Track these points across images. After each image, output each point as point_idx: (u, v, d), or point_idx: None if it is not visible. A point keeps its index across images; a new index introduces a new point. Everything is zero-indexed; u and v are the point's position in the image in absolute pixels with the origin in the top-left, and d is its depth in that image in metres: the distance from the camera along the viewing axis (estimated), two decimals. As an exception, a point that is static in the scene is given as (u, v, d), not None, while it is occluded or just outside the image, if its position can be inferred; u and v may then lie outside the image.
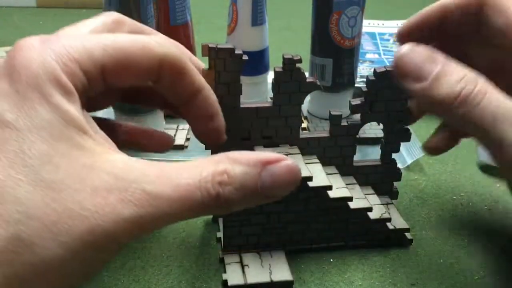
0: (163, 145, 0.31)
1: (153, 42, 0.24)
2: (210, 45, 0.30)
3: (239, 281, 0.31)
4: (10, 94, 0.21)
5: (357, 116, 0.34)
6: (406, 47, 0.28)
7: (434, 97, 0.27)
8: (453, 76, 0.27)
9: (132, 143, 0.29)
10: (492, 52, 0.32)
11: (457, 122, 0.27)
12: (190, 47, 0.49)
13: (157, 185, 0.21)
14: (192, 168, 0.22)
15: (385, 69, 0.32)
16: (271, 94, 0.32)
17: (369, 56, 0.62)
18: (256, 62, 0.48)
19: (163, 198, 0.21)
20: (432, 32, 0.33)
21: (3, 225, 0.19)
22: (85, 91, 0.23)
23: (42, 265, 0.19)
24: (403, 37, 0.34)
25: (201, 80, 0.26)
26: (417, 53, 0.28)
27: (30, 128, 0.20)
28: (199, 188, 0.21)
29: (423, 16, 0.33)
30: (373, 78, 0.33)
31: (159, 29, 0.47)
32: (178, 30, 0.47)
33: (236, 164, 0.23)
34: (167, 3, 0.46)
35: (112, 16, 0.27)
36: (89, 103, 0.23)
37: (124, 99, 0.30)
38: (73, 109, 0.22)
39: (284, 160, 0.23)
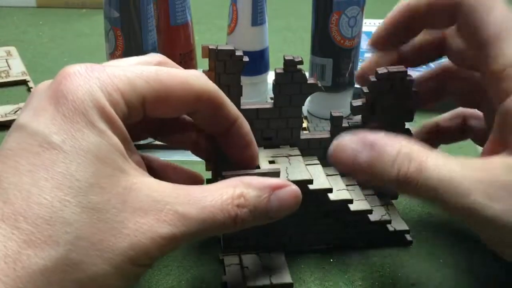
0: (193, 183, 0.32)
1: (192, 76, 0.26)
2: (210, 47, 0.30)
3: (239, 283, 0.31)
4: (57, 118, 0.22)
5: (358, 117, 0.34)
6: (334, 143, 0.27)
7: (380, 182, 0.26)
8: (385, 158, 0.26)
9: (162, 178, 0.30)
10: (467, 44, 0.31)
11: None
12: (190, 47, 0.49)
13: (186, 207, 0.23)
14: (215, 191, 0.25)
15: (386, 71, 0.32)
16: (271, 94, 0.32)
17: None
18: (256, 62, 0.48)
19: (192, 218, 0.23)
20: (403, 33, 0.34)
21: (54, 246, 0.20)
22: (126, 119, 0.24)
23: (89, 281, 0.21)
24: (377, 44, 0.35)
25: (235, 110, 0.28)
26: (345, 146, 0.27)
27: (77, 150, 0.22)
28: (221, 210, 0.24)
29: (391, 20, 0.33)
30: (375, 79, 0.33)
31: (159, 29, 0.47)
32: (178, 30, 0.47)
33: (251, 188, 0.25)
34: (167, 3, 0.46)
35: (156, 56, 0.28)
36: (129, 132, 0.25)
37: (158, 133, 0.32)
38: (116, 134, 0.23)
39: (290, 186, 0.27)
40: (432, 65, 0.39)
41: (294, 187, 0.27)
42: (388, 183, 0.26)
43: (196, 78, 0.26)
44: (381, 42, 0.34)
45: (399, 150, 0.26)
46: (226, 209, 0.24)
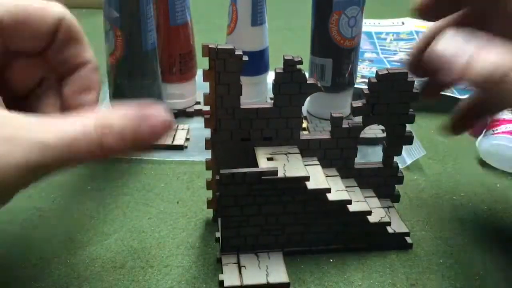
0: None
1: (53, 3, 0.26)
2: (210, 46, 0.30)
3: (235, 282, 0.31)
4: None
5: (358, 118, 0.34)
6: (437, 43, 0.28)
7: (471, 80, 0.26)
8: (486, 60, 0.26)
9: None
10: None
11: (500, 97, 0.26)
12: (190, 47, 0.49)
13: (44, 134, 0.22)
14: (77, 117, 0.24)
15: (387, 72, 0.32)
16: (271, 94, 0.32)
17: (368, 55, 0.62)
18: (256, 62, 0.47)
19: (50, 145, 0.22)
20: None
21: None
22: None
23: None
24: (423, 13, 0.33)
25: (90, 52, 0.29)
26: (446, 48, 0.27)
27: None
28: (83, 135, 0.23)
29: None
30: (375, 80, 0.32)
31: (158, 29, 0.47)
32: (178, 30, 0.47)
33: (115, 113, 0.24)
34: (167, 3, 0.46)
35: None
36: None
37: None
38: None
39: (160, 115, 0.24)
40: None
41: (164, 115, 0.25)
42: (482, 82, 0.26)
43: (56, 5, 0.26)
44: (427, 11, 0.33)
45: (498, 52, 0.26)
46: (88, 133, 0.23)
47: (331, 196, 0.32)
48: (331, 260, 0.34)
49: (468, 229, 0.37)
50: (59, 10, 0.27)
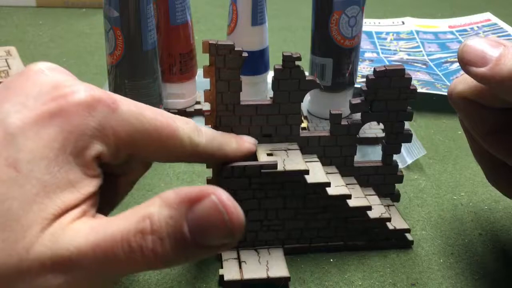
0: None
1: (180, 122, 0.26)
2: (210, 42, 0.30)
3: (235, 276, 0.31)
4: (46, 149, 0.21)
5: (358, 116, 0.34)
6: (470, 38, 0.28)
7: (494, 78, 0.26)
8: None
9: None
10: None
11: None
12: (190, 47, 0.49)
13: (78, 243, 0.20)
14: (123, 217, 0.20)
15: (385, 69, 0.32)
16: (271, 94, 0.32)
17: (368, 55, 0.62)
18: (256, 62, 0.47)
19: (80, 256, 0.19)
20: None
21: None
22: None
23: None
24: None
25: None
26: (480, 41, 0.27)
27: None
28: (121, 241, 0.19)
29: None
30: (373, 77, 0.32)
31: (159, 29, 0.47)
32: (178, 30, 0.47)
33: (164, 206, 0.19)
34: (167, 3, 0.46)
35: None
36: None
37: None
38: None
39: (212, 194, 0.19)
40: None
41: (218, 196, 0.19)
42: (506, 80, 0.25)
43: (184, 122, 0.26)
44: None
45: None
46: (126, 238, 0.19)
47: (330, 191, 0.32)
48: (331, 260, 0.34)
49: (468, 229, 0.37)
50: (188, 130, 0.26)
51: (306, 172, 0.30)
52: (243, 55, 0.30)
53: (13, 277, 0.19)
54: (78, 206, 0.21)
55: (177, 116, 0.26)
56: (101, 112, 0.22)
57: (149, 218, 0.19)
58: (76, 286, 0.20)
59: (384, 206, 0.35)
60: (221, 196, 0.19)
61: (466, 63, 0.27)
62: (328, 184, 0.31)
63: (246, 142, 0.31)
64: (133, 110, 0.24)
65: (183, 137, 0.26)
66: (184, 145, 0.26)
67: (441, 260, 0.34)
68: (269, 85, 0.33)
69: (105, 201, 0.24)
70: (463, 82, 0.30)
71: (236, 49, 0.30)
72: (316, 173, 0.31)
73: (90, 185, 0.22)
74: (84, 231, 0.20)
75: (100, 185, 0.23)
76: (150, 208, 0.20)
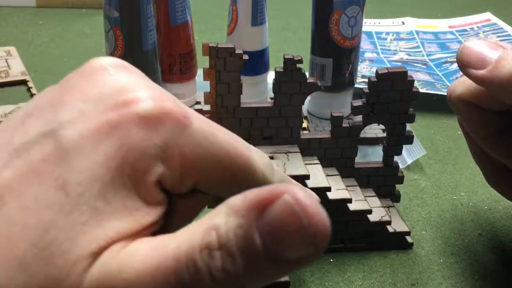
0: None
1: (256, 154, 0.21)
2: (210, 45, 0.30)
3: None
4: (102, 169, 0.17)
5: (359, 117, 0.34)
6: (470, 40, 0.28)
7: (493, 81, 0.26)
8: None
9: None
10: None
11: None
12: (190, 47, 0.49)
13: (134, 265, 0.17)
14: (186, 230, 0.17)
15: (387, 71, 0.32)
16: (271, 94, 0.32)
17: (368, 55, 0.62)
18: (256, 62, 0.47)
19: (136, 278, 0.16)
20: None
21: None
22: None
23: None
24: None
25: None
26: (479, 43, 0.27)
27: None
28: (185, 260, 0.16)
29: None
30: (375, 79, 0.32)
31: (159, 29, 0.47)
32: (178, 30, 0.47)
33: (231, 215, 0.16)
34: (167, 3, 0.46)
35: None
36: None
37: None
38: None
39: (285, 193, 0.15)
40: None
41: (292, 194, 0.15)
42: (505, 82, 0.25)
43: (260, 155, 0.21)
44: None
45: None
46: (191, 257, 0.16)
47: (331, 195, 0.32)
48: (331, 260, 0.34)
49: (468, 229, 0.37)
50: (263, 165, 0.21)
51: (307, 177, 0.30)
52: (243, 58, 0.30)
53: None
54: (135, 237, 0.18)
55: (251, 146, 0.21)
56: (168, 128, 0.18)
57: (215, 230, 0.16)
58: None
59: (384, 207, 0.35)
60: (297, 194, 0.15)
61: (465, 65, 0.27)
62: (328, 189, 0.31)
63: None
64: (205, 129, 0.19)
65: (257, 172, 0.20)
66: (256, 181, 0.20)
67: (441, 260, 0.34)
68: (269, 85, 0.33)
69: (166, 227, 0.20)
70: (462, 84, 0.30)
71: (236, 52, 0.30)
72: (317, 177, 0.31)
73: (150, 214, 0.18)
74: (140, 252, 0.17)
75: (163, 213, 0.19)
76: (216, 218, 0.16)
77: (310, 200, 0.15)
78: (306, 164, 0.32)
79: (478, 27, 0.70)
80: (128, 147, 0.18)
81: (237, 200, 0.16)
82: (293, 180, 0.25)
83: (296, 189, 0.15)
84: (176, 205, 0.20)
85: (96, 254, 0.17)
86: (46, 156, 0.17)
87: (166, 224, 0.20)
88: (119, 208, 0.17)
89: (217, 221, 0.16)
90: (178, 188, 0.19)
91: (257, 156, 0.21)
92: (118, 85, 0.19)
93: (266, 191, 0.16)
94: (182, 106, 0.20)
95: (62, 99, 0.19)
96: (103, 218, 0.17)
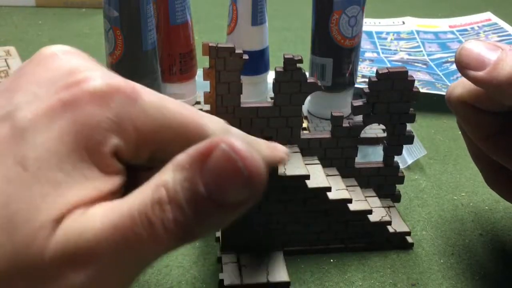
0: None
1: (213, 121, 0.22)
2: (210, 44, 0.30)
3: (235, 281, 0.31)
4: (63, 149, 0.19)
5: (359, 117, 0.34)
6: (468, 41, 0.28)
7: (491, 82, 0.26)
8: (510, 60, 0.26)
9: None
10: None
11: None
12: (190, 47, 0.49)
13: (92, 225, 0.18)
14: (139, 190, 0.18)
15: (387, 71, 0.32)
16: (271, 94, 0.32)
17: (368, 55, 0.62)
18: (256, 62, 0.47)
19: (89, 242, 0.17)
20: None
21: None
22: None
23: None
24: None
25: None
26: (477, 45, 0.27)
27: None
28: (139, 218, 0.17)
29: None
30: (376, 79, 0.32)
31: (158, 28, 0.47)
32: (178, 30, 0.47)
33: (177, 170, 0.17)
34: (167, 3, 0.46)
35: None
36: None
37: None
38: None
39: (221, 143, 0.17)
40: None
41: (229, 142, 0.17)
42: (504, 84, 0.25)
43: (215, 122, 0.23)
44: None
45: None
46: (144, 213, 0.17)
47: (331, 195, 0.32)
48: (331, 260, 0.34)
49: (468, 229, 0.37)
50: (216, 128, 0.22)
51: (307, 177, 0.30)
52: (243, 57, 0.30)
53: (32, 285, 0.18)
54: (96, 203, 0.19)
55: (202, 112, 0.23)
56: (119, 103, 0.20)
57: (163, 186, 0.17)
58: (102, 281, 0.18)
59: (385, 207, 0.35)
60: (233, 142, 0.17)
61: (464, 66, 0.27)
62: (329, 189, 0.31)
63: (279, 151, 0.27)
64: (155, 101, 0.21)
65: (211, 136, 0.21)
66: None
67: (442, 261, 0.34)
68: (270, 85, 0.33)
69: None
70: (461, 85, 0.30)
71: (236, 51, 0.30)
72: (317, 177, 0.31)
73: (109, 182, 0.19)
74: (100, 214, 0.18)
75: (122, 183, 0.20)
76: (164, 175, 0.18)
77: (245, 147, 0.17)
78: (306, 164, 0.32)
79: (478, 26, 0.70)
80: (81, 122, 0.19)
81: (181, 157, 0.18)
82: (259, 139, 0.26)
83: (233, 137, 0.17)
84: (138, 179, 0.20)
85: (59, 220, 0.18)
86: (3, 137, 0.19)
87: None
88: (78, 178, 0.18)
89: (165, 178, 0.17)
90: (136, 160, 0.21)
91: (210, 122, 0.22)
92: (68, 68, 0.20)
93: (205, 143, 0.17)
94: (131, 83, 0.21)
95: (17, 85, 0.20)
96: (64, 188, 0.18)
